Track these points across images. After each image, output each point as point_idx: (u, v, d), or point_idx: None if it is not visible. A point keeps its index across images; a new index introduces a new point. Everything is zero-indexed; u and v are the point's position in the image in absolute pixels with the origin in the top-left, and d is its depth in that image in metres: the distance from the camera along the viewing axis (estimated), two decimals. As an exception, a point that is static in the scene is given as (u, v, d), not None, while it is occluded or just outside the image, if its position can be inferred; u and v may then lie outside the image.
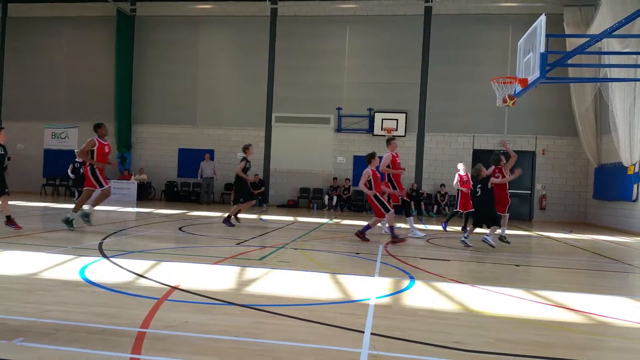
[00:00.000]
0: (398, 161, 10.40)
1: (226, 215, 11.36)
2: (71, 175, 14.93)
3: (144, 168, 20.80)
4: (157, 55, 21.24)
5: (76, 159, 14.02)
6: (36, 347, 3.16)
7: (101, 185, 9.20)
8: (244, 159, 11.05)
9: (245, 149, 11.24)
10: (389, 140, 10.52)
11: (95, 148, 9.19)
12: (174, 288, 4.87)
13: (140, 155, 21.33)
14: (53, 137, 22.05)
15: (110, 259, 6.33)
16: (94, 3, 21.33)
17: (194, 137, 20.96)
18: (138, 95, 21.37)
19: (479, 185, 9.22)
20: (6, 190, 8.69)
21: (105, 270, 5.62)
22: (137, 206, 16.39)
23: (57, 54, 21.98)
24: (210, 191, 19.61)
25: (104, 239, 8.15)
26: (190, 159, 20.49)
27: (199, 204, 19.11)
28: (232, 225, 10.98)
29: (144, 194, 20.11)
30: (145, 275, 5.42)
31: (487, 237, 9.02)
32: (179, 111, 21.00)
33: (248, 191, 11.34)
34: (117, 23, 20.81)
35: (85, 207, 9.32)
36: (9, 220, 8.68)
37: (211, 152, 20.46)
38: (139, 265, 5.97)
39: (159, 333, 3.52)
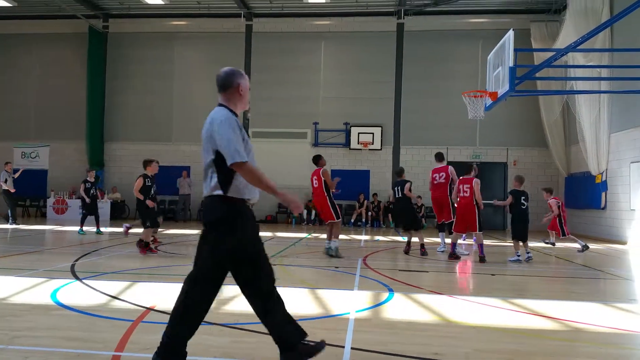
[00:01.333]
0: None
1: (418, 246, 9.88)
2: (85, 197, 12.80)
3: (117, 186, 20.44)
4: (131, 72, 21.04)
5: (87, 179, 12.77)
6: (6, 374, 3.06)
7: (339, 217, 9.19)
8: (408, 181, 10.08)
9: (401, 172, 10.35)
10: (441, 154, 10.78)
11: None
12: (150, 309, 4.77)
13: (114, 174, 20.96)
14: (23, 156, 21.52)
15: (83, 281, 6.17)
16: (65, 20, 21.00)
17: (170, 154, 20.68)
18: (111, 112, 21.06)
19: (523, 198, 9.23)
20: (157, 222, 9.34)
21: (77, 293, 5.48)
22: (111, 226, 16.07)
23: (28, 72, 21.56)
24: (186, 208, 19.40)
25: (77, 260, 7.95)
26: (165, 176, 20.07)
27: (175, 221, 18.85)
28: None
29: (118, 213, 19.73)
30: (119, 297, 5.30)
31: (529, 254, 9.27)
32: (153, 128, 20.76)
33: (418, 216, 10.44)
34: (89, 40, 20.56)
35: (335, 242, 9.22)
36: (145, 246, 8.87)
37: (187, 169, 20.25)
38: (113, 286, 5.84)
39: (135, 356, 3.45)
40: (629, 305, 5.63)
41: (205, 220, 3.07)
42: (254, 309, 3.23)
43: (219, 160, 3.00)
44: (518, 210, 9.27)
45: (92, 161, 20.39)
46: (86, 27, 20.54)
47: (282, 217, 19.95)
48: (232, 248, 3.03)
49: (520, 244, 9.29)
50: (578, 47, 9.59)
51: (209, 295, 3.17)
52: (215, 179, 3.02)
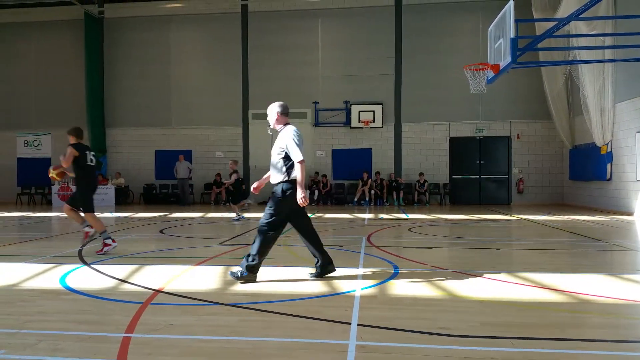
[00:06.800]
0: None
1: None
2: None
3: (120, 172, 20.49)
4: (129, 57, 20.90)
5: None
6: (18, 358, 3.10)
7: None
8: None
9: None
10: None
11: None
12: (158, 291, 4.82)
13: (117, 159, 21.01)
14: (26, 145, 21.56)
15: (91, 265, 6.23)
16: (60, 7, 20.83)
17: (171, 138, 20.71)
18: (111, 98, 21.01)
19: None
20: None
21: (86, 277, 5.53)
22: (116, 211, 16.14)
23: (25, 60, 21.46)
24: (186, 192, 19.31)
25: (84, 245, 8.01)
26: (167, 161, 20.22)
27: (179, 205, 18.87)
28: None
29: (122, 199, 19.81)
30: (127, 280, 5.35)
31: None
32: (153, 112, 20.72)
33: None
34: (86, 26, 20.36)
35: None
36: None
37: (189, 152, 20.25)
38: (121, 270, 5.89)
39: (145, 337, 3.49)
40: (636, 275, 5.64)
41: None
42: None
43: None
44: None
45: (95, 147, 20.40)
46: (82, 14, 20.33)
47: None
48: None
49: None
50: (580, 16, 9.43)
51: None
52: None
